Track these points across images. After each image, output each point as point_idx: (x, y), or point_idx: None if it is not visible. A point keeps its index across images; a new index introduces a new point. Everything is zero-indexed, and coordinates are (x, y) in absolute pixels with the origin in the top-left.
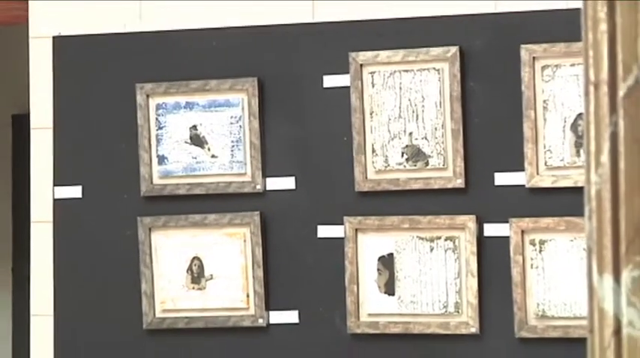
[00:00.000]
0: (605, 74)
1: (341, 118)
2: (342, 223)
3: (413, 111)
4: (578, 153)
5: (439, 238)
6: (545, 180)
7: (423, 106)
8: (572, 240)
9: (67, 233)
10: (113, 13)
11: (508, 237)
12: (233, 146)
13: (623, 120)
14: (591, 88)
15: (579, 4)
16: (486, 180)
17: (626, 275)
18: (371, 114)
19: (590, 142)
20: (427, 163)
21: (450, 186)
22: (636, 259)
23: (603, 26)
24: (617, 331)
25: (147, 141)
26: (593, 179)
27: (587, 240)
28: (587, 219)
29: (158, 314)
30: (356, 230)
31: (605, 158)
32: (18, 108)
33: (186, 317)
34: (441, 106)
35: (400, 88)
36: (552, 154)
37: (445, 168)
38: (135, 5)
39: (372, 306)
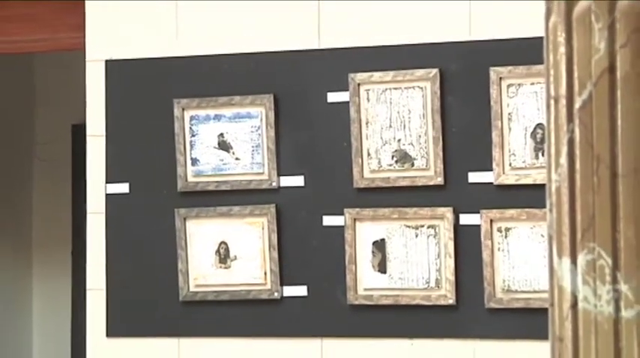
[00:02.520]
0: (563, 89)
1: (342, 127)
2: (342, 214)
3: (401, 122)
4: (537, 156)
5: (422, 226)
6: (509, 179)
7: (409, 118)
8: (531, 228)
9: (116, 222)
10: (154, 41)
11: (479, 226)
12: (253, 150)
13: (579, 128)
14: (552, 102)
15: (540, 33)
16: (461, 178)
17: (581, 259)
18: (366, 124)
19: (550, 147)
20: (413, 164)
21: (431, 183)
22: (590, 245)
23: (562, 49)
24: (574, 305)
25: (182, 146)
26: (554, 177)
27: (548, 228)
28: (548, 211)
29: (192, 289)
30: (354, 219)
31: (563, 160)
32: (77, 119)
33: (215, 291)
34: (424, 118)
35: (390, 103)
36: (516, 157)
37: (427, 169)
38: (172, 35)
39: (367, 282)
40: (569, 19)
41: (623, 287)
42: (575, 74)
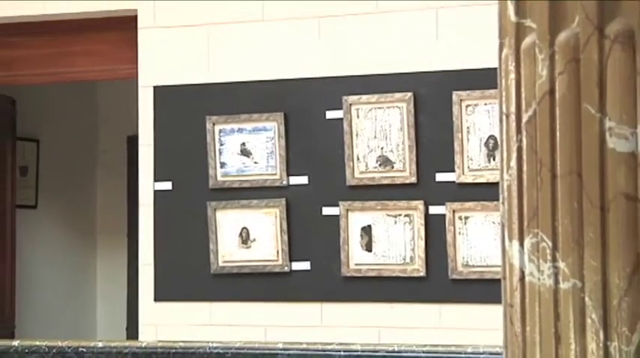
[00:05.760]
0: (513, 107)
1: (337, 138)
2: (338, 205)
3: (383, 134)
4: (489, 161)
5: (400, 215)
6: (468, 178)
7: (390, 130)
8: (485, 217)
9: (162, 212)
10: (191, 71)
11: (444, 215)
12: (268, 156)
13: (525, 139)
14: (504, 117)
15: (491, 65)
16: (430, 177)
17: (527, 242)
18: (356, 135)
19: (503, 153)
20: (392, 167)
21: (407, 181)
22: (534, 231)
23: (512, 75)
24: (522, 278)
25: (213, 153)
26: (505, 177)
27: (501, 217)
28: (500, 204)
29: (220, 264)
30: (347, 210)
31: (513, 163)
32: (131, 131)
33: (238, 266)
34: (401, 130)
35: (375, 119)
36: (472, 161)
37: (404, 170)
38: (205, 67)
39: (357, 259)
40: (517, 52)
41: (561, 264)
42: (523, 95)
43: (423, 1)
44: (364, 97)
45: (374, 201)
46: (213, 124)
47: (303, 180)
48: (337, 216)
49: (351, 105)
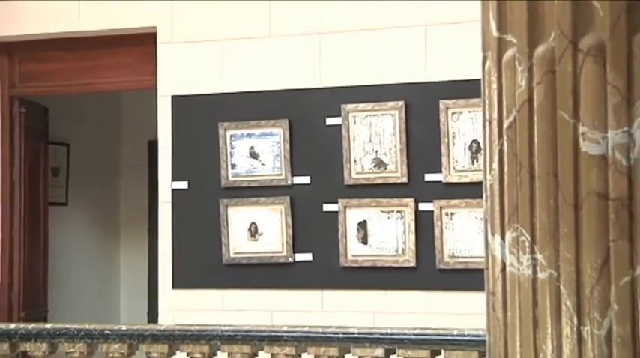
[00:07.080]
0: (495, 114)
1: (336, 142)
2: (337, 203)
3: (378, 138)
4: (472, 163)
5: (393, 211)
6: (453, 178)
7: (383, 135)
8: (469, 213)
9: (179, 209)
10: (205, 81)
11: (432, 211)
12: (274, 158)
13: (506, 143)
14: (487, 123)
15: (474, 76)
16: (420, 177)
17: (508, 236)
18: (353, 139)
19: (486, 155)
20: (386, 168)
21: (399, 181)
22: (514, 226)
23: (494, 85)
24: (503, 269)
25: (224, 155)
26: (488, 178)
27: (484, 214)
28: (484, 202)
29: (231, 255)
30: (345, 207)
31: (495, 165)
32: (151, 136)
33: (247, 257)
34: (394, 135)
35: (371, 125)
36: (458, 163)
37: (396, 171)
38: (217, 78)
39: (354, 250)
40: (499, 64)
41: (539, 256)
42: (504, 103)
43: (413, 20)
44: (361, 105)
45: (369, 198)
46: (225, 130)
47: (305, 180)
48: (336, 212)
49: (348, 112)
